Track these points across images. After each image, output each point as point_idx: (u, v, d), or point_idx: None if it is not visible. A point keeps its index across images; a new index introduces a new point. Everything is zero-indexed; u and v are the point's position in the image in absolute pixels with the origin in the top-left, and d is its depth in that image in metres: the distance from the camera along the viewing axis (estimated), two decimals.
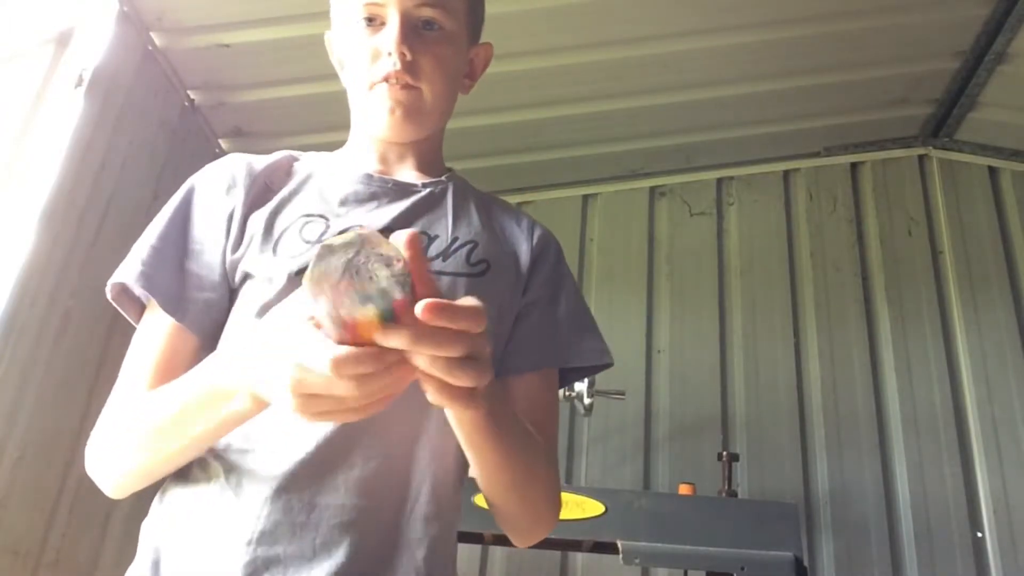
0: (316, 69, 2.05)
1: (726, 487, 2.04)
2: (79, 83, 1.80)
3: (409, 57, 0.88)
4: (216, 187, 0.90)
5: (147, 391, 0.81)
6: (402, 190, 0.92)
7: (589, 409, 1.97)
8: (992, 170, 2.87)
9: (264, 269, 0.83)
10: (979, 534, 2.35)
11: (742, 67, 2.47)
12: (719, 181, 2.94)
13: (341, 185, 0.91)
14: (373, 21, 0.90)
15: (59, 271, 1.73)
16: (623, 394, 2.16)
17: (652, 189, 2.94)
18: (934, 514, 2.38)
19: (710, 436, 2.52)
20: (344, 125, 0.99)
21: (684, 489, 1.92)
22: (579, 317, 0.97)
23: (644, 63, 2.39)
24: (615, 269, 2.80)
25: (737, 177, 2.94)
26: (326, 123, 2.36)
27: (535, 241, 0.99)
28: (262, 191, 0.90)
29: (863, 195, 2.89)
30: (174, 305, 0.84)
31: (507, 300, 0.90)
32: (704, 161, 2.91)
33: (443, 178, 0.97)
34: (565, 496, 1.71)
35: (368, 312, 0.53)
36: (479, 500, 1.63)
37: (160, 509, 0.82)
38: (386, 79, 0.88)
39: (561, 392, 1.97)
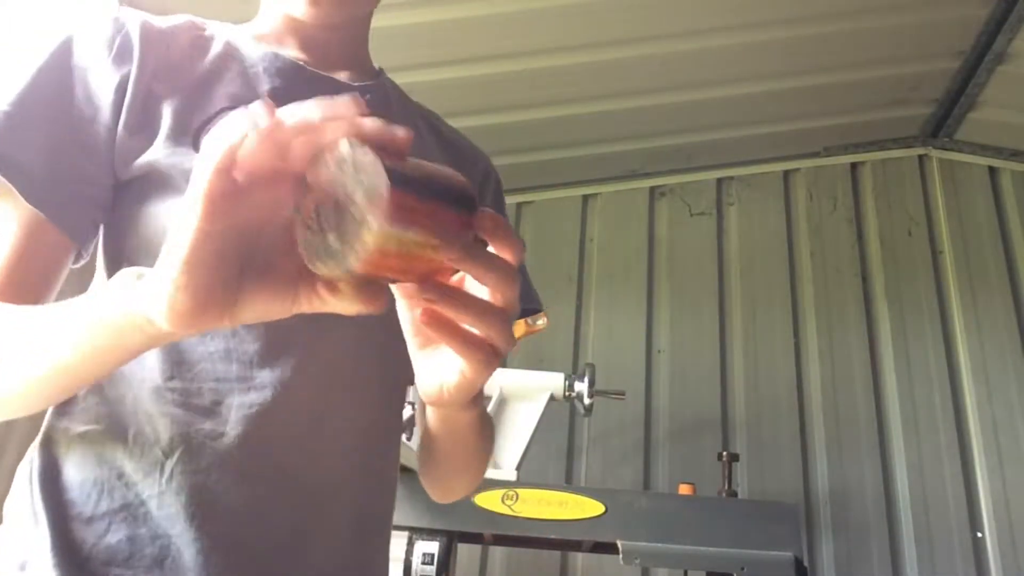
0: None
1: (726, 487, 2.04)
2: None
3: None
4: (100, 48, 0.70)
5: None
6: (344, 92, 0.80)
7: (589, 409, 1.96)
8: (992, 170, 2.87)
9: (183, 167, 0.65)
10: (979, 534, 2.35)
11: (742, 67, 2.47)
12: (719, 181, 2.94)
13: (267, 75, 0.75)
14: None
15: None
16: (623, 394, 2.16)
17: (652, 189, 2.94)
18: (934, 514, 2.38)
19: (710, 436, 2.52)
20: None
21: (684, 489, 1.92)
22: None
23: (644, 63, 2.39)
24: (615, 269, 2.80)
25: (737, 177, 2.94)
26: None
27: (480, 168, 0.88)
28: (164, 63, 0.71)
29: (863, 195, 2.89)
30: (43, 195, 0.63)
31: None
32: (704, 161, 2.91)
33: (377, 81, 0.83)
34: (565, 496, 1.71)
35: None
36: (479, 500, 1.64)
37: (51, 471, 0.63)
38: None
39: (561, 392, 1.97)
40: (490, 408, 1.85)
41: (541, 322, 2.09)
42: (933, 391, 2.54)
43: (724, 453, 2.11)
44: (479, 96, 2.41)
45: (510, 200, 2.92)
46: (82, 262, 0.70)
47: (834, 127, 2.83)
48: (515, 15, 2.13)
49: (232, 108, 0.69)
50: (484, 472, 0.83)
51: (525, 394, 1.90)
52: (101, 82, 0.68)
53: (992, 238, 2.75)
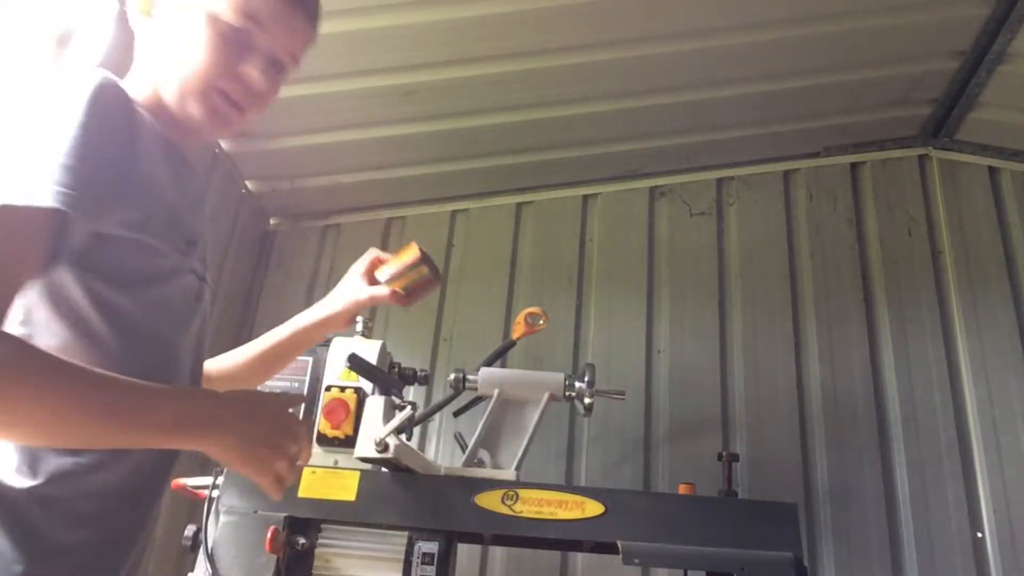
0: (316, 69, 2.05)
1: (726, 487, 2.03)
2: None
3: (261, 90, 0.93)
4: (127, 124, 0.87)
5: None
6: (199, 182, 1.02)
7: (589, 409, 1.96)
8: (992, 170, 2.87)
9: (161, 266, 0.90)
10: (979, 534, 2.35)
11: (743, 67, 2.47)
12: (719, 181, 2.94)
13: (168, 163, 0.93)
14: (240, 32, 0.91)
15: None
16: (623, 394, 2.15)
17: (652, 189, 2.93)
18: (934, 514, 2.38)
19: (710, 436, 2.52)
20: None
21: (684, 489, 1.91)
22: None
23: (644, 63, 2.39)
24: (615, 269, 2.80)
25: (737, 177, 2.94)
26: (322, 124, 2.36)
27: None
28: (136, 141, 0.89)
29: (863, 195, 2.89)
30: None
31: None
32: (704, 161, 2.91)
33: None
34: (565, 496, 1.71)
35: None
36: (480, 500, 1.64)
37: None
38: (227, 96, 0.92)
39: (561, 392, 1.97)
40: (490, 408, 1.85)
41: (541, 322, 2.09)
42: (933, 391, 2.54)
43: (724, 453, 2.10)
44: (479, 96, 2.41)
45: (510, 200, 2.93)
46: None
47: (834, 127, 2.83)
48: (515, 15, 2.12)
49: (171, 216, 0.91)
50: None
51: (525, 394, 1.90)
52: (124, 159, 0.85)
53: (992, 238, 2.75)
